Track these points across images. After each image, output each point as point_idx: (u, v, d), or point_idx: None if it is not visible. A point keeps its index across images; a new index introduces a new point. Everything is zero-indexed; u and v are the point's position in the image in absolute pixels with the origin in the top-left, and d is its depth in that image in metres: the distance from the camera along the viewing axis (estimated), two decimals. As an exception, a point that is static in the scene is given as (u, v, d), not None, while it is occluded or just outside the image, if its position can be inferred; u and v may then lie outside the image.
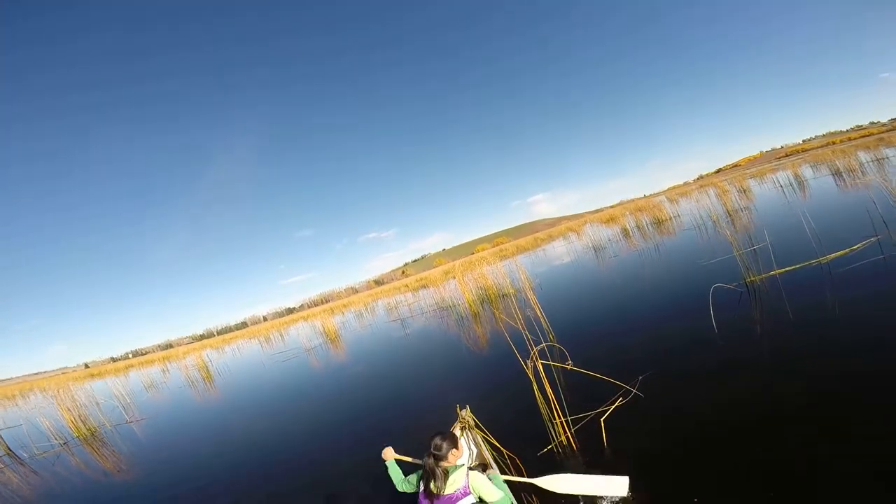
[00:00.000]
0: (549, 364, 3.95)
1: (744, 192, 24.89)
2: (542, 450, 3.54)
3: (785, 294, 5.55)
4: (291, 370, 12.04)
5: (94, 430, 9.74)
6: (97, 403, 13.71)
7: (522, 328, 4.78)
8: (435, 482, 2.36)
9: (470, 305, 11.68)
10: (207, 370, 16.56)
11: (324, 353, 13.58)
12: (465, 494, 2.35)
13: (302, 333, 21.56)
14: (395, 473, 2.87)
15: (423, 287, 33.12)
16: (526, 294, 6.58)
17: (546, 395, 3.72)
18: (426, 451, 2.52)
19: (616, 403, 3.88)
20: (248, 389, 11.18)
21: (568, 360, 5.32)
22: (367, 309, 29.47)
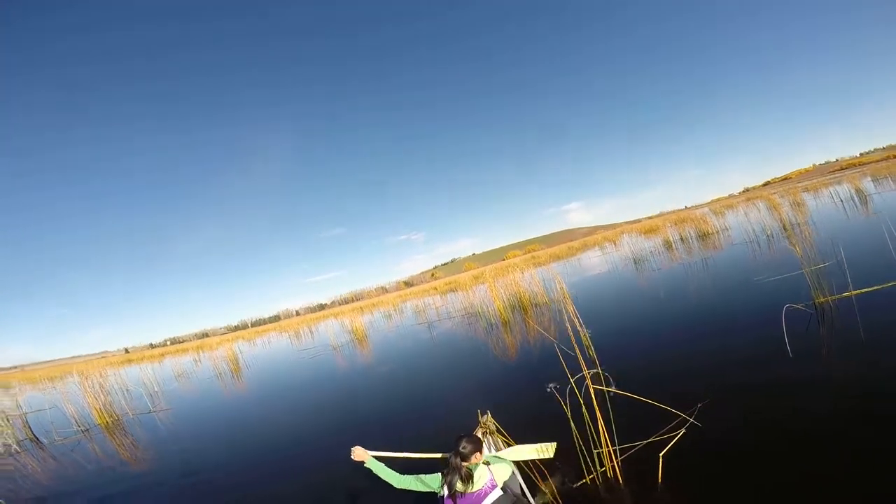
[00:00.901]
0: (595, 387, 3.52)
1: (798, 205, 23.22)
2: (581, 480, 3.14)
3: (864, 318, 4.89)
4: (317, 367, 11.97)
5: (116, 418, 9.85)
6: (127, 390, 14.08)
7: (555, 339, 4.43)
8: (462, 481, 2.37)
9: (500, 313, 11.26)
10: (237, 362, 16.78)
11: (350, 351, 13.47)
12: (493, 487, 2.40)
13: (330, 330, 21.66)
14: (382, 471, 2.86)
15: (452, 291, 32.80)
16: (565, 305, 6.10)
17: (589, 419, 3.31)
18: (452, 452, 2.54)
19: (673, 434, 3.41)
20: (272, 384, 11.18)
21: (611, 384, 4.86)
22: (395, 310, 29.42)
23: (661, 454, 3.11)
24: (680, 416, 3.64)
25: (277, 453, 5.61)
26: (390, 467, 2.94)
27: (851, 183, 25.90)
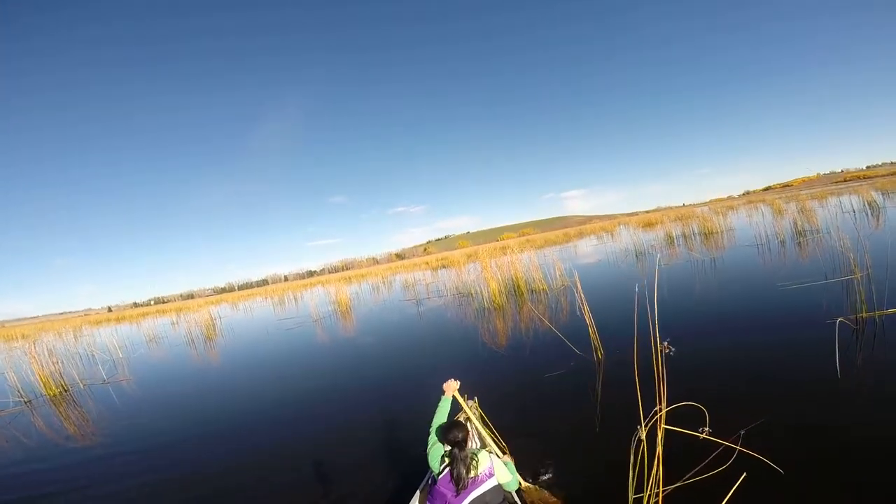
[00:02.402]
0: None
1: (806, 212, 22.46)
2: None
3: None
4: (294, 339, 11.27)
5: (66, 388, 8.94)
6: (92, 355, 13.36)
7: (555, 328, 3.78)
8: (466, 471, 2.32)
9: (494, 296, 10.51)
10: (212, 329, 16.15)
11: (331, 324, 12.76)
12: (490, 475, 2.37)
13: (315, 300, 20.98)
14: (442, 415, 2.76)
15: (444, 267, 32.17)
16: (578, 295, 5.39)
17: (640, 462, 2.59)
18: (445, 443, 2.42)
19: (721, 467, 2.71)
20: (244, 356, 10.47)
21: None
22: (384, 282, 28.75)
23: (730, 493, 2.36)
24: (723, 444, 2.92)
25: (233, 432, 5.13)
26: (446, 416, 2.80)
27: (862, 194, 25.26)
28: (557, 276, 11.56)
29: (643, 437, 2.36)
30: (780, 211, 24.24)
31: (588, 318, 5.25)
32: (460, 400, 3.06)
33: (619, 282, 10.73)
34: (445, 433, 2.45)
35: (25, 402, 8.09)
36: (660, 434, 2.31)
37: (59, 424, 6.50)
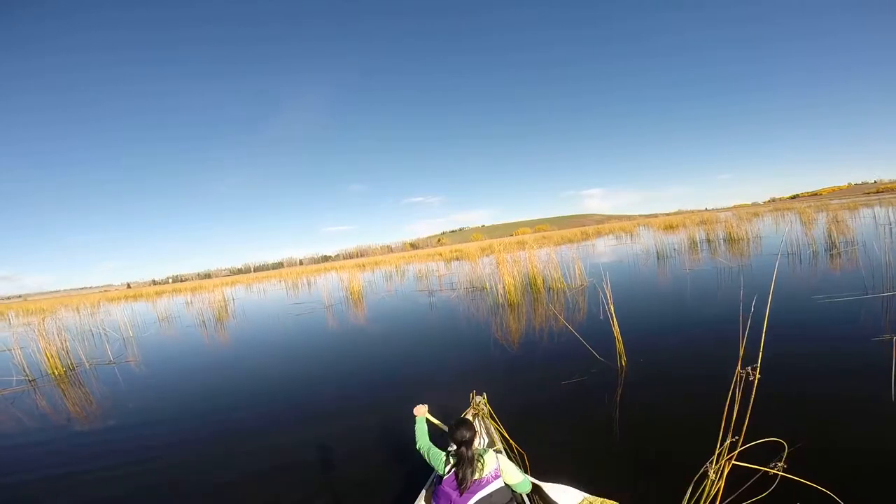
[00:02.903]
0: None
1: (837, 222, 21.49)
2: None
3: None
4: (304, 325, 11.18)
5: (71, 367, 8.79)
6: (105, 333, 13.51)
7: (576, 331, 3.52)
8: (472, 472, 2.28)
9: (509, 292, 10.22)
10: (224, 310, 16.28)
11: (342, 311, 12.65)
12: (496, 477, 2.31)
13: (327, 286, 20.96)
14: (423, 434, 2.70)
15: (457, 259, 31.93)
16: (605, 297, 5.07)
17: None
18: (456, 442, 2.36)
19: (756, 489, 2.42)
20: (253, 340, 10.42)
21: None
22: (397, 271, 28.65)
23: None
24: (762, 470, 2.62)
25: (233, 419, 5.01)
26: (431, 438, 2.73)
27: (898, 207, 24.09)
28: (577, 275, 11.22)
29: (712, 474, 2.09)
30: (809, 220, 23.33)
31: (614, 322, 4.91)
32: (435, 421, 3.01)
33: (642, 285, 10.33)
34: (453, 431, 2.39)
35: (30, 381, 7.98)
36: (726, 469, 2.04)
37: (62, 405, 6.41)
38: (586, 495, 2.51)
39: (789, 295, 7.55)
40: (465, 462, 2.30)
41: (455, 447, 2.37)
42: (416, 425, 2.80)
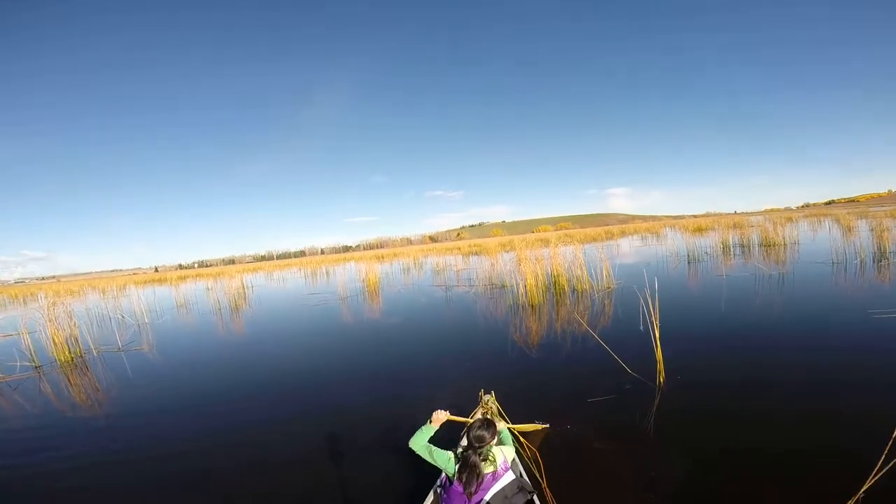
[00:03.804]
0: None
1: (882, 230, 20.08)
2: None
3: None
4: (318, 316, 10.96)
5: (80, 354, 8.62)
6: (121, 318, 13.58)
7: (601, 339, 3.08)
8: (478, 476, 2.22)
9: (530, 291, 9.72)
10: (243, 297, 16.31)
11: (357, 304, 12.39)
12: (506, 469, 2.31)
13: (345, 277, 20.83)
14: (422, 436, 2.48)
15: (476, 254, 31.47)
16: (646, 305, 4.57)
17: None
18: (470, 441, 2.34)
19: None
20: (266, 330, 10.23)
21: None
22: (415, 264, 28.39)
23: None
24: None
25: (237, 411, 4.90)
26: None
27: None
28: (604, 277, 10.62)
29: None
30: (850, 227, 22.01)
31: (656, 332, 4.31)
32: (457, 419, 2.86)
33: (675, 290, 9.67)
34: (473, 430, 2.36)
35: (35, 367, 7.83)
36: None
37: (65, 393, 6.27)
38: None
39: (841, 307, 6.89)
40: (478, 460, 2.26)
41: (464, 448, 2.35)
42: (426, 427, 2.60)
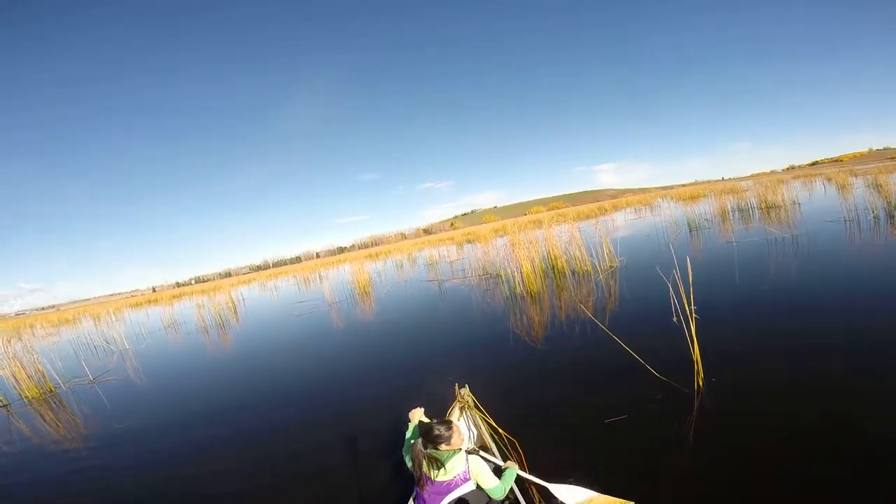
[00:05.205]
0: None
1: (880, 186, 19.33)
2: None
3: None
4: (305, 327, 10.18)
5: (51, 389, 8.02)
6: (105, 345, 12.78)
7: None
8: (431, 468, 2.21)
9: (527, 279, 8.96)
10: (234, 311, 15.91)
11: (347, 309, 11.61)
12: (465, 480, 2.22)
13: (331, 281, 20.07)
14: (406, 441, 2.61)
15: (469, 242, 30.73)
16: (678, 289, 3.76)
17: None
18: (424, 437, 2.30)
19: None
20: (252, 347, 9.44)
21: None
22: (408, 259, 27.63)
23: None
24: None
25: (213, 435, 4.59)
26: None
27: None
28: (605, 255, 9.82)
29: None
30: (844, 185, 21.44)
31: (692, 323, 3.40)
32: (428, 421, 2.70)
33: (685, 261, 8.97)
34: (425, 427, 2.34)
35: (3, 406, 7.30)
36: None
37: (33, 430, 5.83)
38: (596, 494, 2.36)
39: (873, 270, 6.18)
40: (416, 459, 2.25)
41: (429, 447, 2.27)
42: (409, 432, 2.68)
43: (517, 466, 2.51)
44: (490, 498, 2.24)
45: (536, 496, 2.49)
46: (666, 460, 2.66)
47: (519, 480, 2.48)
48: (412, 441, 2.47)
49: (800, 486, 2.25)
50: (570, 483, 2.47)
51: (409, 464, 2.41)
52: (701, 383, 3.41)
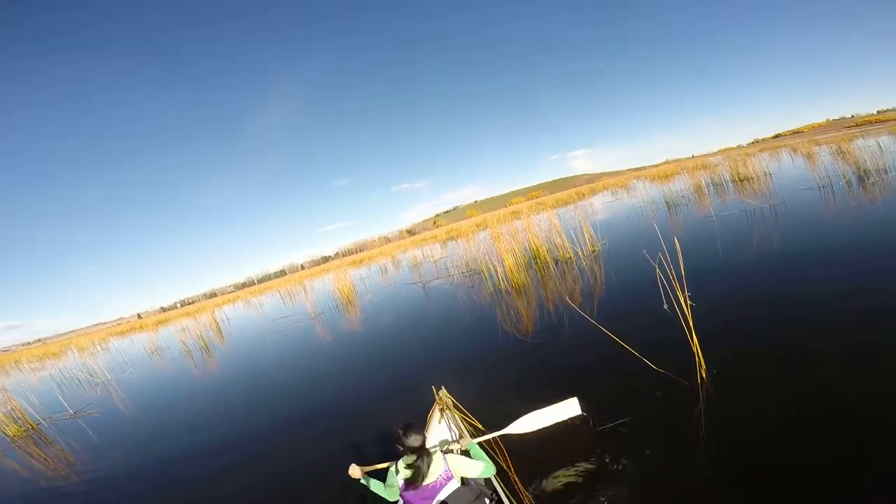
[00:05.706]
0: None
1: (844, 154, 19.61)
2: None
3: None
4: (287, 343, 9.83)
5: (32, 426, 7.74)
6: (89, 377, 12.22)
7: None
8: (422, 475, 2.13)
9: (511, 273, 8.74)
10: (219, 332, 15.67)
11: (330, 320, 11.26)
12: (449, 479, 2.18)
13: (320, 290, 19.64)
14: (377, 486, 2.35)
15: (452, 239, 30.52)
16: (668, 273, 3.49)
17: None
18: (403, 450, 2.18)
19: None
20: (231, 369, 9.14)
21: None
22: (392, 262, 27.28)
23: None
24: None
25: (186, 469, 4.38)
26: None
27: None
28: (586, 240, 9.67)
29: None
30: (810, 154, 21.89)
31: (687, 310, 3.14)
32: (376, 467, 2.54)
33: (669, 239, 8.89)
34: (404, 439, 2.16)
35: None
36: None
37: (23, 465, 5.74)
38: (544, 409, 2.59)
39: (859, 232, 6.14)
40: (420, 475, 2.13)
41: (412, 458, 2.16)
42: (370, 486, 2.42)
43: (470, 438, 2.52)
44: (477, 495, 2.19)
45: (524, 493, 2.43)
46: (668, 467, 2.44)
47: (495, 463, 2.37)
48: (388, 476, 2.28)
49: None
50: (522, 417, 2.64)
51: (394, 494, 2.29)
52: (704, 375, 3.16)
